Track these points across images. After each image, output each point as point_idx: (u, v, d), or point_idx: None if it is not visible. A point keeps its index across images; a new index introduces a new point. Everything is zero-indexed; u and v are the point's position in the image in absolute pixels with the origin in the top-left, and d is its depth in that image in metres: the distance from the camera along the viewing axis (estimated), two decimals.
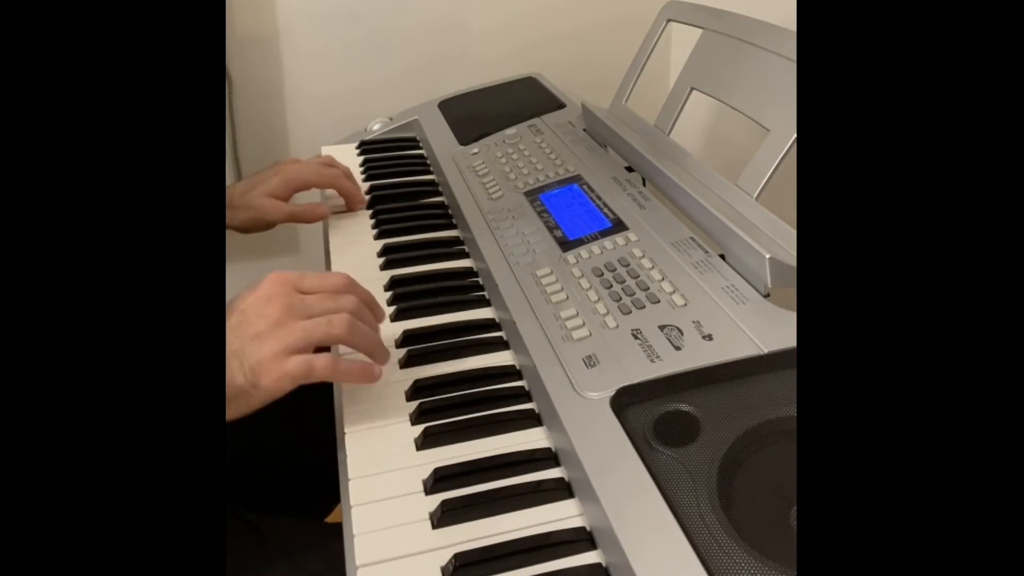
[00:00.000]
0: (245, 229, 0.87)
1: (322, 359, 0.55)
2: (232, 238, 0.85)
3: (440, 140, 1.01)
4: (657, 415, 0.52)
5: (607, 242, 0.71)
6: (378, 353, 0.60)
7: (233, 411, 0.53)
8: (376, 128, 1.11)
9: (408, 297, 0.73)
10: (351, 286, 0.60)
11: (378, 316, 0.61)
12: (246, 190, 0.86)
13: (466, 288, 0.75)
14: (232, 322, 0.55)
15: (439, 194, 0.94)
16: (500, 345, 0.67)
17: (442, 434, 0.57)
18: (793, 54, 0.70)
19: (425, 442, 0.56)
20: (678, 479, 0.48)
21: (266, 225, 0.87)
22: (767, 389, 0.53)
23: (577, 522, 0.50)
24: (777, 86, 0.70)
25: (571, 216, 0.77)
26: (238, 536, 0.67)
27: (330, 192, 0.92)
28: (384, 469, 0.55)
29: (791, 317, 0.59)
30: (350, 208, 0.90)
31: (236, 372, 0.52)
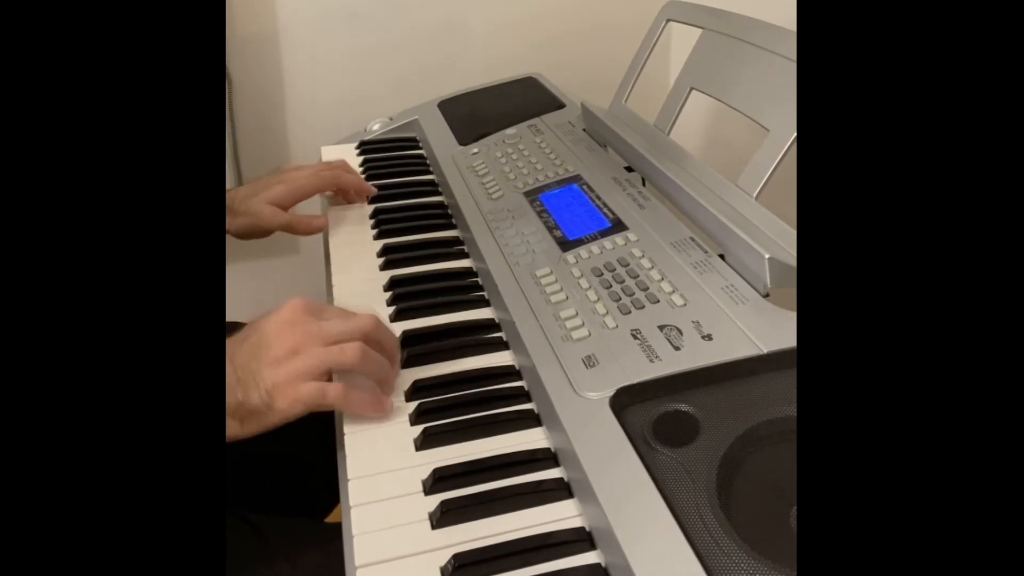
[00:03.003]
0: (242, 235, 0.86)
1: (334, 388, 0.56)
2: (230, 240, 0.85)
3: (440, 140, 1.01)
4: (656, 415, 0.52)
5: (607, 242, 0.71)
6: (387, 383, 0.60)
7: (248, 429, 0.55)
8: (376, 128, 1.11)
9: (408, 297, 0.73)
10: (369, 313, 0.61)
11: (391, 356, 0.61)
12: (248, 195, 0.85)
13: (466, 288, 0.75)
14: (252, 343, 0.56)
15: (439, 194, 0.94)
16: (500, 345, 0.67)
17: (442, 434, 0.57)
18: (793, 54, 0.70)
19: (425, 442, 0.56)
20: (677, 479, 0.48)
21: (263, 232, 0.87)
22: (767, 389, 0.53)
23: (576, 522, 0.50)
24: (777, 86, 0.70)
25: (571, 216, 0.77)
26: (238, 536, 0.67)
27: (330, 193, 0.92)
28: (384, 469, 0.55)
29: (791, 317, 0.59)
30: (357, 199, 0.90)
31: (252, 392, 0.54)
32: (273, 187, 0.85)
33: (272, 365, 0.55)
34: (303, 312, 0.58)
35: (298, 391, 0.55)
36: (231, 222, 0.85)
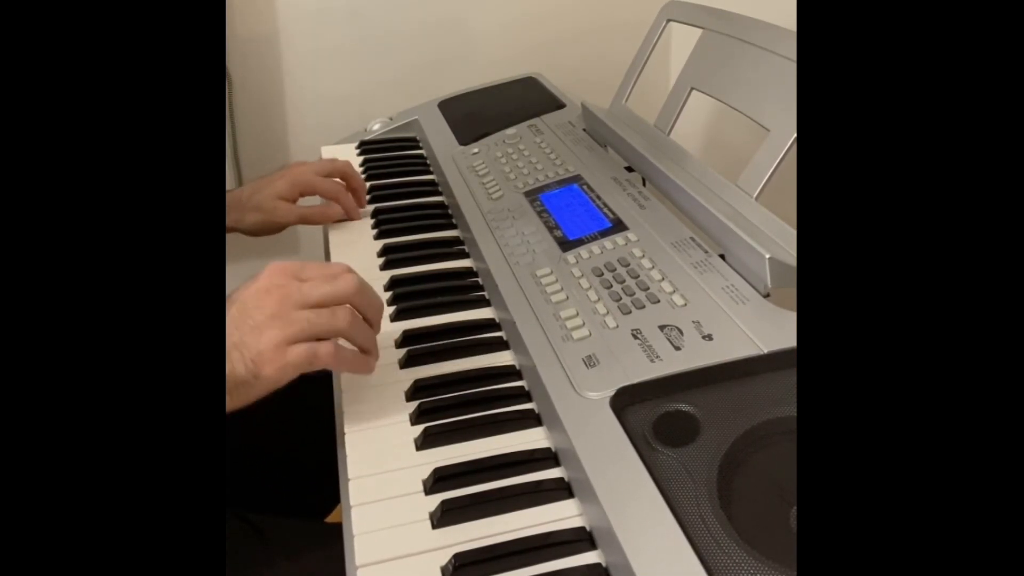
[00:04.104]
0: (255, 232, 0.87)
1: (325, 347, 0.55)
2: (233, 238, 0.86)
3: (440, 140, 1.01)
4: (657, 415, 0.52)
5: (607, 242, 0.71)
6: (372, 350, 0.60)
7: (234, 401, 0.53)
8: (376, 128, 1.11)
9: (408, 297, 0.73)
10: (351, 273, 0.60)
11: (374, 321, 0.61)
12: (253, 192, 0.86)
13: (466, 288, 0.75)
14: (232, 313, 0.55)
15: (439, 194, 0.94)
16: (500, 345, 0.67)
17: (442, 434, 0.57)
18: (793, 54, 0.70)
19: (425, 442, 0.56)
20: (678, 479, 0.48)
21: (276, 228, 0.88)
22: (767, 389, 0.53)
23: (577, 522, 0.50)
24: (777, 86, 0.70)
25: (571, 216, 0.77)
26: (238, 536, 0.67)
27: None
28: (384, 469, 0.55)
29: (791, 317, 0.59)
30: (349, 218, 0.91)
31: (237, 363, 0.52)
32: (277, 181, 0.86)
33: (254, 332, 0.53)
34: (281, 275, 0.56)
35: (286, 356, 0.53)
36: (243, 219, 0.86)
